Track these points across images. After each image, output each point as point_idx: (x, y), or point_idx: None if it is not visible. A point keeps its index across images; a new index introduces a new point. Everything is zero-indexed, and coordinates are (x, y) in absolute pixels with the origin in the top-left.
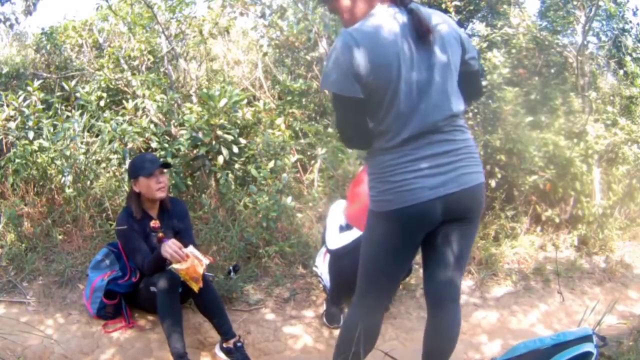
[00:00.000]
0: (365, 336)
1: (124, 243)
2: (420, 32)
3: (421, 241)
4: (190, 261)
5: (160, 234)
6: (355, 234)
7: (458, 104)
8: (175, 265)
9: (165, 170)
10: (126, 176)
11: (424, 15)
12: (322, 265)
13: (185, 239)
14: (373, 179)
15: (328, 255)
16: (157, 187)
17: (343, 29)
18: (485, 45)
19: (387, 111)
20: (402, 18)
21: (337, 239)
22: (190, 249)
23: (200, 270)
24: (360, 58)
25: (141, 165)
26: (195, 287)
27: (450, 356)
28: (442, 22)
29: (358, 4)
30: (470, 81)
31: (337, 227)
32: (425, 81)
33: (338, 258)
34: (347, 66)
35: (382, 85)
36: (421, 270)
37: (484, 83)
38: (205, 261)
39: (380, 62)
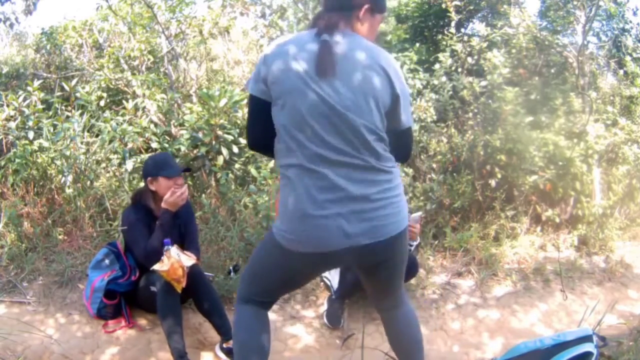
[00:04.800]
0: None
1: (129, 231)
2: (318, 65)
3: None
4: (170, 263)
5: None
6: None
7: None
8: (156, 267)
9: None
10: (126, 176)
11: (327, 50)
12: None
13: (190, 242)
14: None
15: None
16: (177, 192)
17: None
18: (485, 45)
19: (281, 131)
20: (313, 46)
21: None
22: (173, 250)
23: (180, 272)
24: (265, 69)
25: (164, 165)
26: (178, 288)
27: (421, 356)
28: (359, 62)
29: None
30: (396, 138)
31: None
32: (315, 113)
33: None
34: (257, 72)
35: (276, 101)
36: (422, 271)
37: (483, 83)
38: (188, 263)
39: (276, 79)
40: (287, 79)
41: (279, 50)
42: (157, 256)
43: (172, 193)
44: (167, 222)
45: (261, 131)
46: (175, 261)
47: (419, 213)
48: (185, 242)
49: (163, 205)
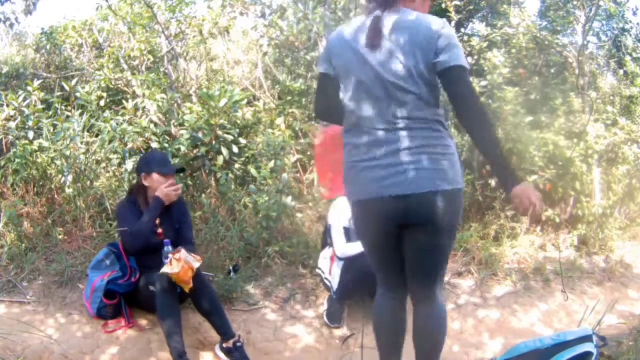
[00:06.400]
0: (382, 321)
1: (119, 219)
2: (367, 37)
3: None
4: (180, 266)
5: (160, 230)
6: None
7: (405, 107)
8: (166, 270)
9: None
10: (126, 176)
11: (377, 24)
12: (326, 268)
13: (185, 237)
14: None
15: (336, 259)
16: (170, 189)
17: None
18: (485, 45)
19: (345, 99)
20: (366, 23)
21: (348, 248)
22: (183, 253)
23: (190, 274)
24: (330, 51)
25: (160, 162)
26: (187, 289)
27: (438, 355)
28: (405, 28)
29: None
30: (445, 84)
31: (343, 231)
32: (369, 81)
33: (352, 263)
34: (325, 53)
35: (339, 74)
36: None
37: (483, 84)
38: (196, 264)
39: (337, 52)
40: (346, 57)
41: (339, 33)
42: (142, 238)
43: (170, 185)
44: (157, 208)
45: (324, 103)
46: (186, 263)
47: None
48: (181, 237)
49: (157, 194)
